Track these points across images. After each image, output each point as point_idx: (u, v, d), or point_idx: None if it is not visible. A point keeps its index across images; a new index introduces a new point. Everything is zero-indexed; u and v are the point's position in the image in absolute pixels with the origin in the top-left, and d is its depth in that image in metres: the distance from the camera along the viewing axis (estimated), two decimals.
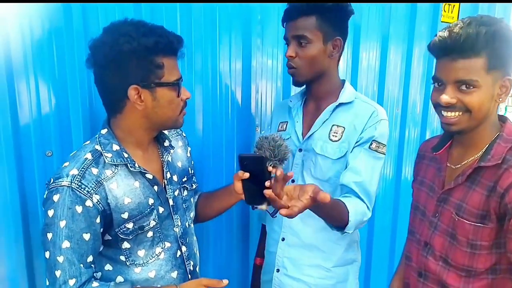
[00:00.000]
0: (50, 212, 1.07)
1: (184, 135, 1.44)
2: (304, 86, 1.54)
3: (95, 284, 1.11)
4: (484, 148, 1.17)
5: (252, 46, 1.86)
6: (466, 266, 1.18)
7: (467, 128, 1.17)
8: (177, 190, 1.30)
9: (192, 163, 1.44)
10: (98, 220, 1.10)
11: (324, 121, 1.51)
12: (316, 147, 1.49)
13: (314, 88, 1.52)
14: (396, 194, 2.57)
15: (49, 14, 1.31)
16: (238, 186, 1.28)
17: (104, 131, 1.18)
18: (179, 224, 1.29)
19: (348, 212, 1.30)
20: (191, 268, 1.33)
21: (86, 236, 1.09)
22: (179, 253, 1.28)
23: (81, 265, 1.09)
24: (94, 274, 1.15)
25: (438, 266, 1.24)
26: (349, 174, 1.41)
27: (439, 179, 1.28)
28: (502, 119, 1.22)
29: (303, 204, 1.07)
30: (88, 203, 1.08)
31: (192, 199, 1.40)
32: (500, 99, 1.14)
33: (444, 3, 2.40)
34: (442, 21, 2.42)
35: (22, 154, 1.33)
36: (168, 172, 1.28)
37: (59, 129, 1.39)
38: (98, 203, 1.10)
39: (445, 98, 1.13)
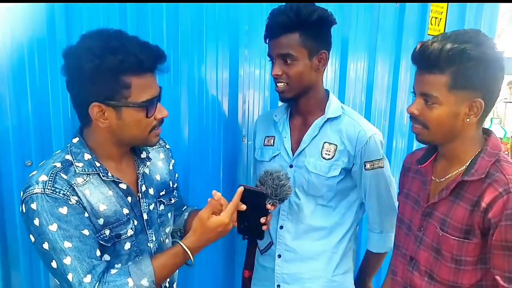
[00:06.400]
0: (36, 221, 1.02)
1: (168, 147, 1.39)
2: None
3: (113, 271, 1.07)
4: (468, 162, 1.17)
5: (239, 56, 1.85)
6: (451, 282, 1.17)
7: (432, 141, 1.20)
8: (153, 204, 1.25)
9: (176, 176, 1.39)
10: (86, 215, 1.07)
11: (314, 137, 1.50)
12: (309, 165, 1.49)
13: (300, 102, 1.51)
14: None
15: (32, 22, 1.28)
16: (233, 215, 1.22)
17: (75, 140, 1.14)
18: (154, 239, 1.24)
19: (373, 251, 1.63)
20: (167, 285, 1.29)
21: (86, 232, 1.05)
22: None
23: (92, 260, 1.04)
24: None
25: (423, 282, 1.23)
26: (368, 212, 1.59)
27: (424, 192, 1.27)
28: (487, 132, 1.21)
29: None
30: (71, 202, 1.04)
31: (169, 214, 1.34)
32: (468, 120, 1.12)
33: (430, 17, 2.43)
34: (428, 34, 2.44)
35: (0, 163, 1.29)
36: (144, 185, 1.22)
37: (40, 139, 1.35)
38: (78, 203, 1.06)
39: (409, 108, 1.18)
